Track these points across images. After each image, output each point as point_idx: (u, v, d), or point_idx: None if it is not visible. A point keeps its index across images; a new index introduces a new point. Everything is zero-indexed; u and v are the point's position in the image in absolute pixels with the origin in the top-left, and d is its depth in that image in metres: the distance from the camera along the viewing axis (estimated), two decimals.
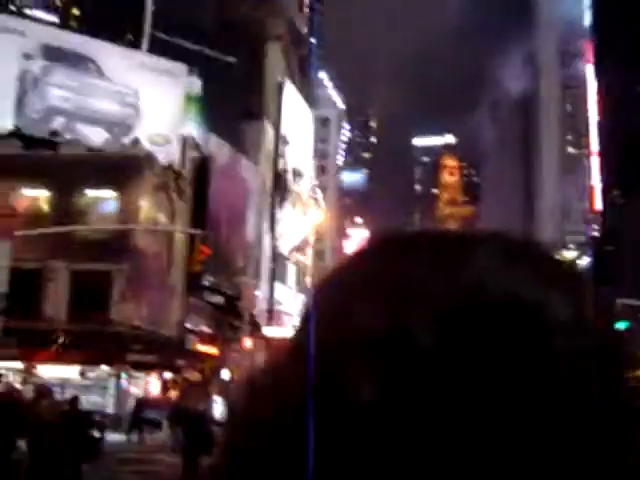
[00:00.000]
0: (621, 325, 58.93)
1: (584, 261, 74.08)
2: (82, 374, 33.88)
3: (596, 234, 78.50)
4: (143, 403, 33.30)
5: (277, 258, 53.76)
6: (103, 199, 35.69)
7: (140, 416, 31.90)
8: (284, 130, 58.77)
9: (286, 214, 57.85)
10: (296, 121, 63.06)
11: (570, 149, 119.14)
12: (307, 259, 66.71)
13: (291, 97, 61.71)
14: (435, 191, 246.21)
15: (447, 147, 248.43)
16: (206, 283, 37.31)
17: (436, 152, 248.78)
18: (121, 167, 35.04)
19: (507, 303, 0.48)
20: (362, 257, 0.53)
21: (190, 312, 37.25)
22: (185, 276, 36.40)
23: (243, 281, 33.44)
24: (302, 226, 63.74)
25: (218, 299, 38.38)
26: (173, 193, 37.28)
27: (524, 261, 0.52)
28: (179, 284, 36.71)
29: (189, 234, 34.69)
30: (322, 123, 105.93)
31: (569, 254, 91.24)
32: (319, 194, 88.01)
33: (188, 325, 36.66)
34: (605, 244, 68.82)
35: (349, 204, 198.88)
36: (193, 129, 42.04)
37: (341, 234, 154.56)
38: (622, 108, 75.58)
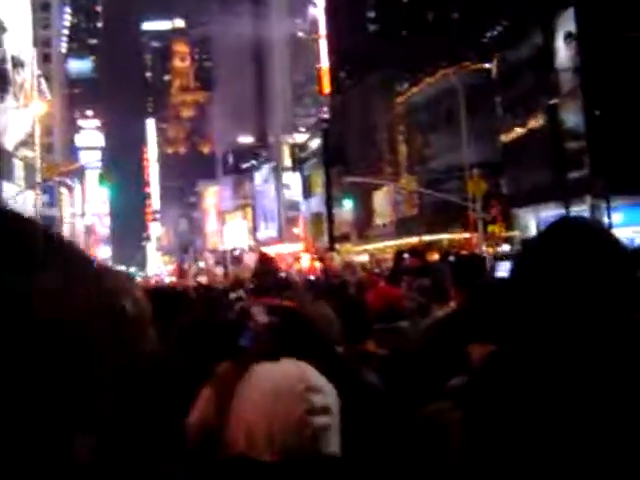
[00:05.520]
0: (349, 201, 61.59)
1: (314, 143, 76.57)
2: None
3: (325, 116, 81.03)
4: None
5: (2, 154, 50.63)
6: None
7: None
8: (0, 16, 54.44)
9: (8, 107, 54.25)
10: (12, 6, 58.58)
11: (300, 33, 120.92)
12: (35, 154, 63.41)
13: None
14: (167, 77, 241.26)
15: (177, 31, 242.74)
16: None
17: (166, 37, 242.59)
18: None
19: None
20: None
21: None
22: None
23: None
24: (26, 119, 60.19)
25: None
26: None
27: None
28: None
29: None
30: (42, 8, 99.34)
31: (301, 136, 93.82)
32: (43, 84, 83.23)
33: None
34: (333, 126, 71.39)
35: (78, 94, 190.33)
36: None
37: (71, 126, 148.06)
38: None
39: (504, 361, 1.44)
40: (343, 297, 5.78)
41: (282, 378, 1.77)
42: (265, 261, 10.18)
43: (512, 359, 1.40)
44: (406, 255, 10.08)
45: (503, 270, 11.20)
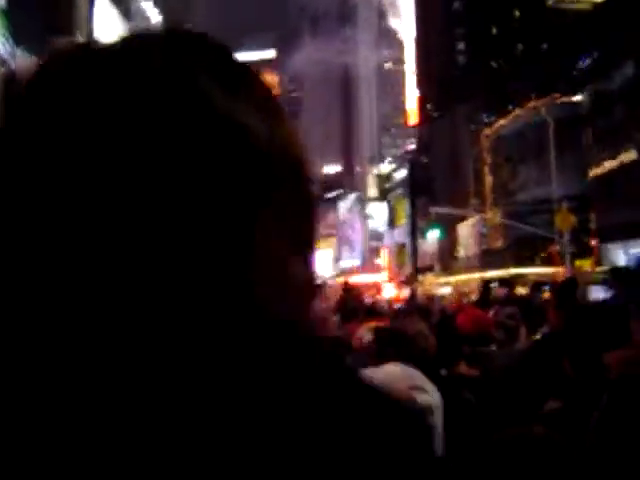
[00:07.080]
0: (434, 232, 61.24)
1: (400, 173, 76.55)
2: None
3: (412, 147, 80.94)
4: None
5: None
6: None
7: None
8: None
9: None
10: (110, 36, 60.57)
11: (388, 65, 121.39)
12: None
13: (103, 10, 59.08)
14: None
15: (266, 62, 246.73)
16: None
17: (255, 67, 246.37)
18: None
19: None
20: None
21: None
22: None
23: None
24: None
25: None
26: None
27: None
28: None
29: None
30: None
31: (386, 167, 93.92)
32: None
33: None
34: (419, 157, 71.27)
35: None
36: None
37: None
38: (439, 22, 77.49)
39: None
40: (430, 319, 5.78)
41: (386, 377, 1.83)
42: (349, 289, 10.54)
43: None
44: (494, 284, 9.97)
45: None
